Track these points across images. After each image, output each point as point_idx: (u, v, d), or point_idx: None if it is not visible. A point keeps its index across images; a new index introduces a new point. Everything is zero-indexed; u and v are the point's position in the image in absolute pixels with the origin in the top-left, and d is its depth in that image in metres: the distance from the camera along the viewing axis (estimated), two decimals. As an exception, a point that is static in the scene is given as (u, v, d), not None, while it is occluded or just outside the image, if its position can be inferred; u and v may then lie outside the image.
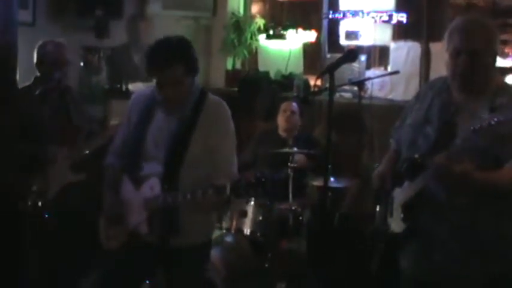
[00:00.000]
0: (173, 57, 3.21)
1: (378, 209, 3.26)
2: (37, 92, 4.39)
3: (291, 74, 7.34)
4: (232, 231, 4.94)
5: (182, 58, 3.24)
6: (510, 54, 5.77)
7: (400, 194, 3.05)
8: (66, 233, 4.44)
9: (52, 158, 4.36)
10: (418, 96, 3.23)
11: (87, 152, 4.47)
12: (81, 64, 6.55)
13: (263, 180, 2.98)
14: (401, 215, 3.00)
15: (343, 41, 7.17)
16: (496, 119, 2.58)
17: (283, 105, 5.70)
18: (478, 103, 2.88)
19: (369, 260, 4.42)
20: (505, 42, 5.90)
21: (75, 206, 4.43)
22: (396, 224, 3.05)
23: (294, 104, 5.69)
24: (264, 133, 5.93)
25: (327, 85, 4.61)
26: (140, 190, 3.33)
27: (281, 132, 5.68)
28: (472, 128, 2.64)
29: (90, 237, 4.43)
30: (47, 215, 4.27)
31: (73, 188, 4.42)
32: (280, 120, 5.68)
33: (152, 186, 3.29)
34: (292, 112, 5.64)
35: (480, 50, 2.87)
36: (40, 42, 4.54)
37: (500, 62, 5.00)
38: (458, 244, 2.91)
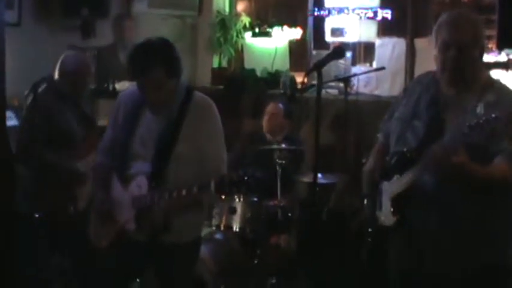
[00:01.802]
0: (153, 61, 3.18)
1: (365, 202, 3.30)
2: (28, 91, 4.41)
3: (277, 71, 7.35)
4: (222, 228, 4.95)
5: (162, 61, 3.21)
6: (493, 49, 5.82)
7: (389, 188, 3.08)
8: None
9: (83, 173, 4.38)
10: (406, 91, 3.27)
11: None
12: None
13: (246, 178, 3.01)
14: (391, 209, 3.03)
15: (328, 38, 7.20)
16: (493, 116, 2.62)
17: (268, 107, 5.68)
18: (466, 98, 2.92)
19: (357, 253, 4.46)
20: (488, 38, 5.96)
21: None
22: (386, 217, 3.08)
23: (280, 106, 5.65)
24: (251, 134, 5.93)
25: (313, 82, 4.66)
26: (128, 189, 3.35)
27: (266, 135, 5.68)
28: (467, 124, 2.67)
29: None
30: (37, 215, 4.28)
31: None
32: (264, 122, 5.66)
33: (140, 185, 3.31)
34: (275, 114, 5.61)
35: (469, 43, 2.91)
36: (65, 54, 4.55)
37: (484, 57, 5.05)
38: (447, 236, 2.95)
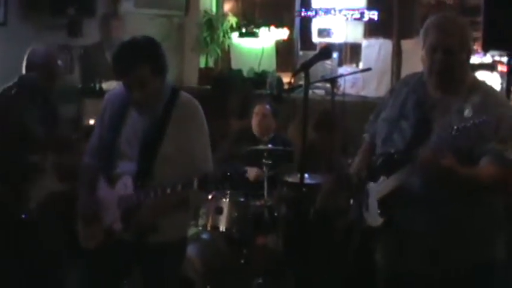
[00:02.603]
0: (138, 59, 3.18)
1: (351, 202, 3.30)
2: (12, 92, 4.35)
3: (263, 71, 7.39)
4: (208, 228, 4.95)
5: (147, 59, 3.20)
6: (479, 50, 5.86)
7: (376, 189, 3.08)
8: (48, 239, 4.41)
9: (39, 168, 4.31)
10: (392, 92, 3.27)
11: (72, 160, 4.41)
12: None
13: (228, 174, 3.01)
14: (378, 211, 3.04)
15: (315, 39, 7.25)
16: (481, 120, 2.63)
17: (256, 108, 5.65)
18: (452, 99, 2.94)
19: (344, 253, 4.48)
20: (473, 39, 5.99)
21: (58, 214, 4.41)
22: (372, 219, 3.08)
23: (267, 107, 5.63)
24: (240, 132, 5.93)
25: (300, 82, 4.67)
26: (114, 188, 3.35)
27: (256, 134, 5.67)
28: (455, 127, 2.69)
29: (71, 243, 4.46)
30: (23, 216, 4.25)
31: (57, 197, 4.38)
32: (254, 124, 5.65)
33: (126, 184, 3.30)
34: (264, 115, 5.59)
35: (456, 47, 2.92)
36: (31, 48, 4.49)
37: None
38: (435, 237, 2.96)
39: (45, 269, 4.40)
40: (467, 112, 2.72)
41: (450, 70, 2.94)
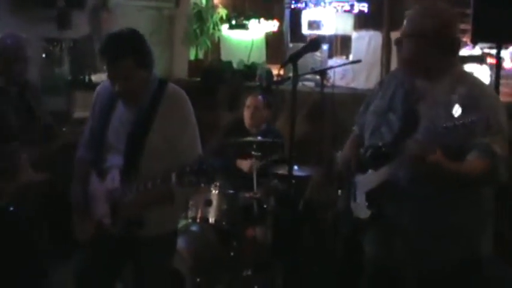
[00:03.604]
0: (121, 52, 3.18)
1: (339, 193, 3.30)
2: None
3: (253, 63, 7.39)
4: (198, 220, 4.95)
5: (131, 52, 3.19)
6: (468, 43, 5.87)
7: (364, 181, 3.09)
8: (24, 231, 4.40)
9: (13, 157, 4.28)
10: (381, 84, 3.26)
11: (49, 151, 4.39)
12: (43, 56, 6.52)
13: (204, 167, 2.99)
14: (366, 203, 3.05)
15: (305, 31, 7.26)
16: (470, 120, 2.63)
17: (248, 100, 5.62)
18: (439, 90, 2.93)
19: (333, 245, 4.49)
20: (463, 32, 5.99)
21: (34, 205, 4.39)
22: (360, 210, 3.09)
23: (260, 98, 5.59)
24: (232, 124, 5.91)
25: (290, 74, 4.68)
26: (104, 182, 3.35)
27: (247, 126, 5.66)
28: (444, 125, 2.68)
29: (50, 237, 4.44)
30: (11, 208, 4.24)
31: (33, 187, 4.36)
32: (245, 116, 5.63)
33: (114, 178, 3.30)
34: (256, 107, 5.57)
35: (425, 34, 2.89)
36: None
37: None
38: (419, 231, 2.97)
39: (24, 262, 4.39)
40: (455, 109, 2.71)
41: (417, 58, 2.93)
